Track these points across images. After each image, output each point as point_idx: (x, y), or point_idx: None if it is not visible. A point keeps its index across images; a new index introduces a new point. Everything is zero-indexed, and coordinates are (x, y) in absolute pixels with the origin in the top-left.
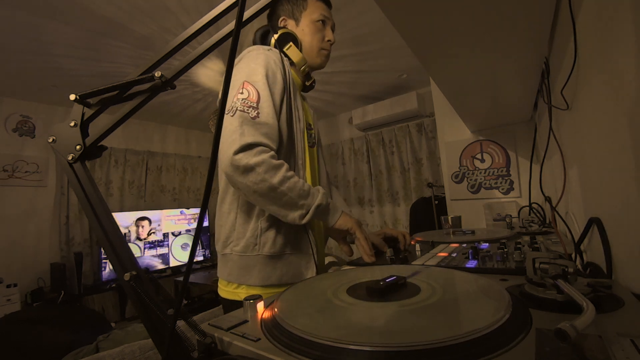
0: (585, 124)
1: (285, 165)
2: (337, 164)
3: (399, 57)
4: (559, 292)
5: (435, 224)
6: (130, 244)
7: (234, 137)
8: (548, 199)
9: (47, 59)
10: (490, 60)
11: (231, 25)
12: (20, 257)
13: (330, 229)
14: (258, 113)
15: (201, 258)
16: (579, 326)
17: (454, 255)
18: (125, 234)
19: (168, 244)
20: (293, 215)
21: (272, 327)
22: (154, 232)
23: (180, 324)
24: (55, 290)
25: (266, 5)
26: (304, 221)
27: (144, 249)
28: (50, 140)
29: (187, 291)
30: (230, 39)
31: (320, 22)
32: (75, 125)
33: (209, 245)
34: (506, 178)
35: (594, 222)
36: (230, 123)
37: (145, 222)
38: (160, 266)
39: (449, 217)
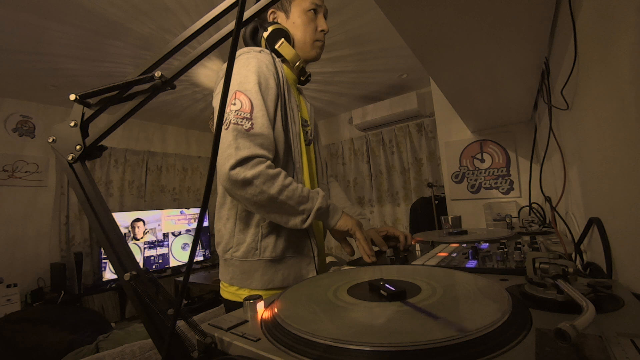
0: (585, 124)
1: (283, 173)
2: (337, 164)
3: (399, 57)
4: (559, 292)
5: (435, 224)
6: (130, 244)
7: (229, 151)
8: (548, 199)
9: (47, 59)
10: (491, 60)
11: (231, 25)
12: (20, 257)
13: (331, 229)
14: (252, 124)
15: (201, 258)
16: (579, 326)
17: (454, 255)
18: (125, 234)
19: (168, 244)
20: (294, 221)
21: (272, 327)
22: (148, 232)
23: (180, 324)
24: (55, 290)
25: (266, 5)
26: (305, 225)
27: (144, 249)
28: (50, 140)
29: (187, 291)
30: (230, 39)
31: (312, 11)
32: (75, 125)
33: (209, 245)
34: (506, 178)
35: (594, 222)
36: (224, 136)
37: (140, 223)
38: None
39: (449, 217)
